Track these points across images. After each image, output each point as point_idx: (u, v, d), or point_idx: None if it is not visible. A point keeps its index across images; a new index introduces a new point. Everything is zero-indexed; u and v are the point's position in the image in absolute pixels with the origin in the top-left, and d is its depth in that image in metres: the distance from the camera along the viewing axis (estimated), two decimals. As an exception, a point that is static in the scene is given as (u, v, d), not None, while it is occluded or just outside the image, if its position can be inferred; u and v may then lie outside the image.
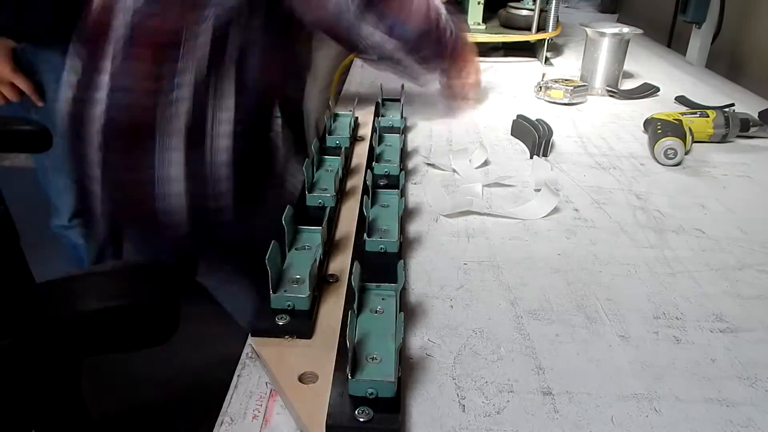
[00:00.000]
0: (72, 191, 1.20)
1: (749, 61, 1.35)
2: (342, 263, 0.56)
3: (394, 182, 0.68)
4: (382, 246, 0.55)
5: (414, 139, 0.89)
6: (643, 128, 0.94)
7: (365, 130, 0.87)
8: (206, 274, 0.87)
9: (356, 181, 0.72)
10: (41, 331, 0.56)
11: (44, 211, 1.36)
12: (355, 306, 0.45)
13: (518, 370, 0.44)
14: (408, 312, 0.50)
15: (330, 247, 0.58)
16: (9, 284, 0.82)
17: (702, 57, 1.34)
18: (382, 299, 0.47)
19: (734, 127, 0.89)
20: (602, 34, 1.11)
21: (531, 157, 0.83)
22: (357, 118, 0.89)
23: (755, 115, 0.93)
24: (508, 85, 1.18)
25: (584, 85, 1.08)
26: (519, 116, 0.91)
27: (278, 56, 0.75)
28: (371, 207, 0.61)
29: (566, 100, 1.05)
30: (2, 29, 1.13)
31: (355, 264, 0.47)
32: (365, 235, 0.55)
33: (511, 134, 0.92)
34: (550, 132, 0.87)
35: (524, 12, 1.33)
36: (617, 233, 0.64)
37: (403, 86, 0.92)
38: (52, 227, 1.38)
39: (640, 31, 1.14)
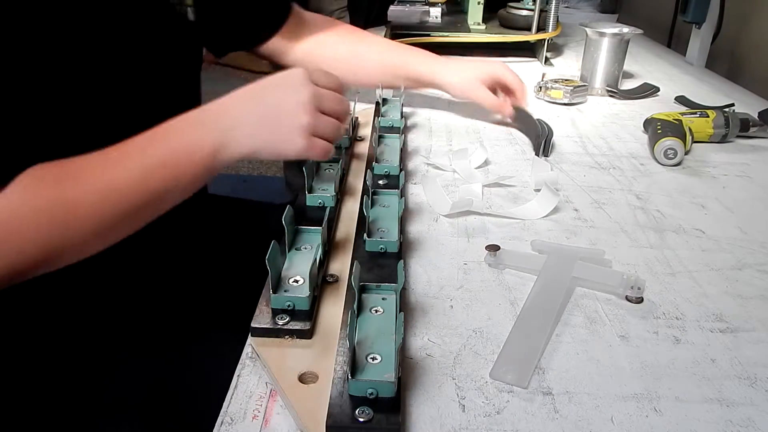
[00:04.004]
0: None
1: (749, 61, 1.35)
2: (342, 263, 0.56)
3: (394, 182, 0.68)
4: (382, 246, 0.55)
5: (414, 139, 0.89)
6: (643, 128, 0.94)
7: (365, 130, 0.87)
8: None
9: (356, 182, 0.72)
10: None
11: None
12: (355, 306, 0.45)
13: (518, 370, 0.44)
14: (408, 312, 0.50)
15: (330, 247, 0.58)
16: None
17: (702, 57, 1.34)
18: (382, 299, 0.47)
19: (734, 127, 0.89)
20: (602, 34, 1.11)
21: (534, 150, 0.83)
22: (357, 118, 0.89)
23: (755, 115, 0.93)
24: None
25: (584, 85, 1.08)
26: (518, 108, 0.92)
27: None
28: (371, 207, 0.61)
29: (566, 100, 1.05)
30: None
31: (355, 264, 0.46)
32: (365, 235, 0.55)
33: (514, 122, 0.93)
34: (550, 132, 0.87)
35: (524, 12, 1.33)
36: (617, 233, 0.64)
37: (402, 86, 0.92)
38: None
39: (640, 31, 1.14)
